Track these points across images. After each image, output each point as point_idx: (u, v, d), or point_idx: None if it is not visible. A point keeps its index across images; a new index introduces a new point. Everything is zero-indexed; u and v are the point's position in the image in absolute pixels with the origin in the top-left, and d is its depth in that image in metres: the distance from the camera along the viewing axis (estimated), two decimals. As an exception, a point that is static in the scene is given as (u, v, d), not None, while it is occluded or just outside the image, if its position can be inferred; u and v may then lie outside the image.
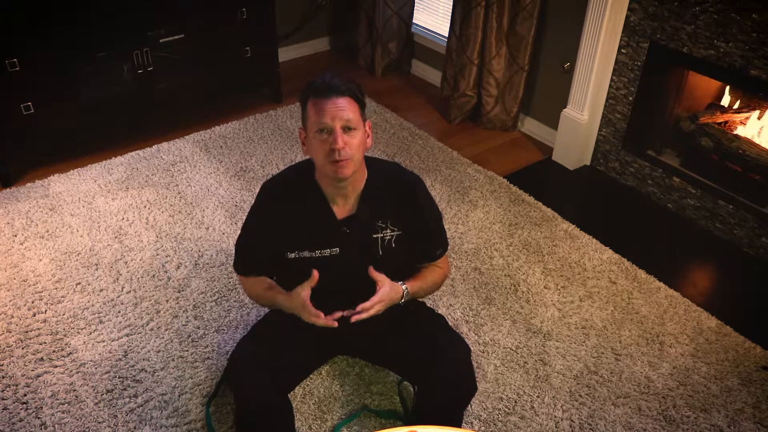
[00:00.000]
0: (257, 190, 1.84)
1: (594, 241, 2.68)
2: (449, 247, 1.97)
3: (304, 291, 1.71)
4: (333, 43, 4.27)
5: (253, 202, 1.85)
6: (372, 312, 1.72)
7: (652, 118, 2.90)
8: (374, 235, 1.78)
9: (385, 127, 3.37)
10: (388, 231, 1.79)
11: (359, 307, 1.71)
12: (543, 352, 2.18)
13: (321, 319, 1.71)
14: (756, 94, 2.66)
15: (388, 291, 1.74)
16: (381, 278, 1.75)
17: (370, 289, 1.84)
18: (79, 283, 2.35)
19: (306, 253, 1.77)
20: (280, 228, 1.76)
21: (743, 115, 2.77)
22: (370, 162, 1.77)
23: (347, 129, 1.60)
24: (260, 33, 3.33)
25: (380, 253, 1.80)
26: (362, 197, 1.75)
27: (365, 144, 1.68)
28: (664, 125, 2.93)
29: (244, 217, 2.66)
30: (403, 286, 1.79)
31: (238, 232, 2.59)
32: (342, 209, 1.76)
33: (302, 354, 1.86)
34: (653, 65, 2.76)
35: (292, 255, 1.77)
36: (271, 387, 1.71)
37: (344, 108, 1.60)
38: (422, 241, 1.85)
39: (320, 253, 1.77)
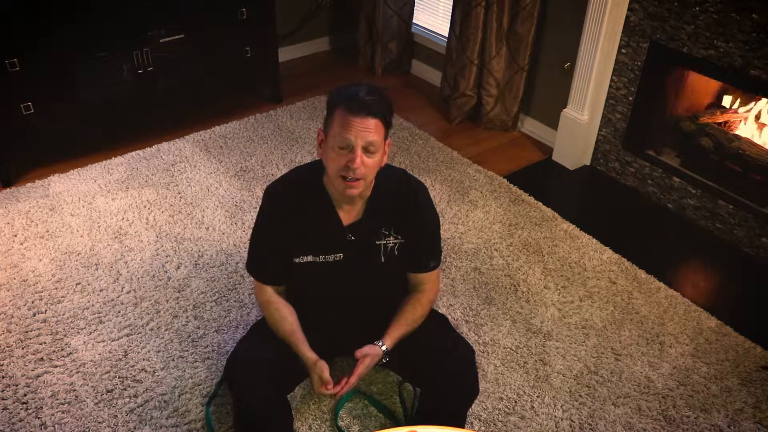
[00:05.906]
0: (258, 191, 1.83)
1: (594, 241, 2.68)
2: (446, 252, 1.96)
3: (324, 381, 1.70)
4: (333, 43, 4.27)
5: (258, 206, 1.83)
6: (355, 381, 1.74)
7: (652, 118, 2.89)
8: (377, 242, 1.78)
9: (385, 127, 3.37)
10: (392, 238, 1.79)
11: (344, 383, 1.72)
12: (543, 352, 2.18)
13: (330, 390, 1.71)
14: (756, 94, 2.66)
15: (368, 363, 1.75)
16: (362, 355, 1.75)
17: (372, 294, 1.85)
18: (79, 283, 2.35)
19: (311, 258, 1.77)
20: (288, 232, 1.76)
21: (743, 115, 2.77)
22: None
23: (367, 150, 1.60)
24: (260, 33, 3.33)
25: (382, 259, 1.80)
26: (368, 203, 1.75)
27: (380, 163, 1.67)
28: (664, 125, 2.93)
29: (244, 218, 2.69)
30: (383, 347, 1.77)
31: (238, 232, 2.63)
32: (348, 215, 1.75)
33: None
34: (653, 65, 2.75)
35: (298, 260, 1.78)
36: (270, 388, 1.71)
37: (371, 130, 1.58)
38: (418, 250, 1.84)
39: (324, 258, 1.77)
